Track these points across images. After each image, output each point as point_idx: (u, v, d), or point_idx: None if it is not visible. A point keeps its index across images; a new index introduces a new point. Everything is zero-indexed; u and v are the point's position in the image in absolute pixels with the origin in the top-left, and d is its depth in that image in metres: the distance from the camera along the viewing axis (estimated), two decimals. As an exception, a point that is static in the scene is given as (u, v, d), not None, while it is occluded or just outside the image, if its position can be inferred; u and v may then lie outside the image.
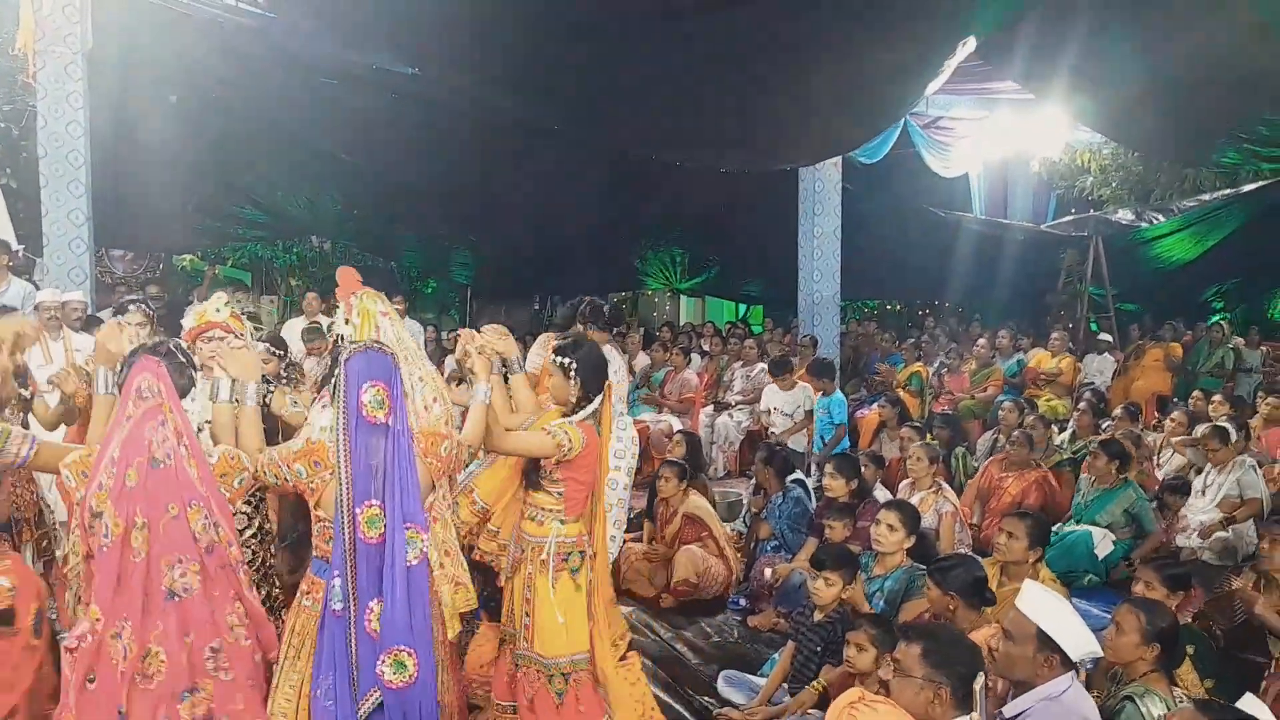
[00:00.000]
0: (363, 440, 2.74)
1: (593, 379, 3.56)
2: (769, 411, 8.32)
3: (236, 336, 4.10)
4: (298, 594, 3.02)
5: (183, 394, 2.75)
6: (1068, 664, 2.93)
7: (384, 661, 2.69)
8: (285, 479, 2.88)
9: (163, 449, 2.58)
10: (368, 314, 3.25)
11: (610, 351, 4.85)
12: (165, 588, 2.59)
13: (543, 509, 3.49)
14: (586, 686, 3.46)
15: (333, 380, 2.87)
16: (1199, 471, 6.88)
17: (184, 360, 2.84)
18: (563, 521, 3.47)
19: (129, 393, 2.62)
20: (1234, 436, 6.72)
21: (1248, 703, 2.78)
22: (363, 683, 2.72)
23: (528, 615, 3.47)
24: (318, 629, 2.81)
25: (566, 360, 3.54)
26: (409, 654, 2.70)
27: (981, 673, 2.79)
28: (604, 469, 3.69)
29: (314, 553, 2.96)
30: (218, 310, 4.05)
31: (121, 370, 2.75)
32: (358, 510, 2.71)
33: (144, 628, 2.56)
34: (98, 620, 2.53)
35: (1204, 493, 6.57)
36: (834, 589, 4.13)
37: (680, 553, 5.65)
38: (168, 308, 9.26)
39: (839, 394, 8.28)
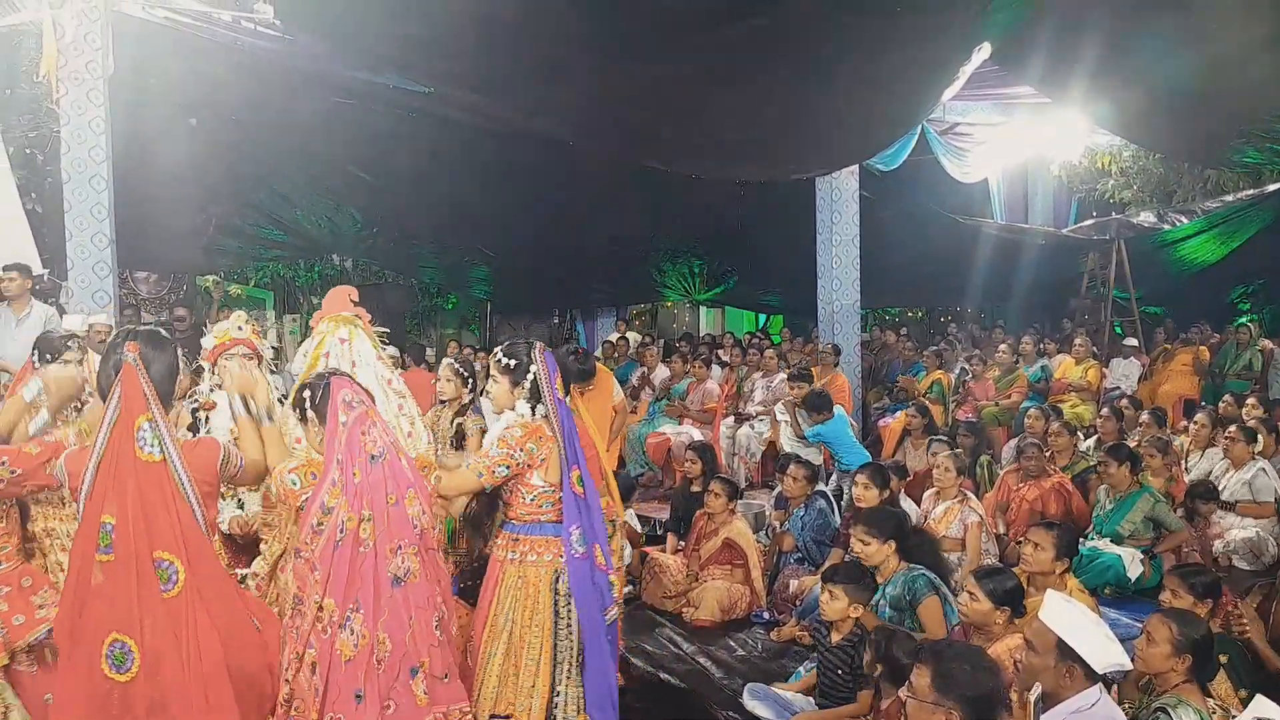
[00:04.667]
0: (564, 417, 3.46)
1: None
2: (783, 424, 8.23)
3: (258, 354, 4.24)
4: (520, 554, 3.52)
5: None
6: (1092, 676, 2.89)
7: None
8: (518, 460, 3.41)
9: (378, 446, 2.96)
10: (323, 340, 3.89)
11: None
12: (391, 574, 2.91)
13: None
14: None
15: (530, 378, 3.53)
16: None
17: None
18: None
19: (336, 406, 3.00)
20: (1261, 438, 6.64)
21: (1259, 704, 2.74)
22: (605, 600, 3.48)
23: None
24: (569, 574, 3.41)
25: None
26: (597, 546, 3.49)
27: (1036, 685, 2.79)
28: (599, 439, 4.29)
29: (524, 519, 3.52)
30: (239, 329, 4.19)
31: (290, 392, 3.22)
32: (572, 472, 3.42)
33: (374, 616, 2.87)
34: (334, 612, 2.86)
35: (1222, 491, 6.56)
36: (839, 603, 4.15)
37: (707, 590, 5.58)
38: (194, 329, 9.33)
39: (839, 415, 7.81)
